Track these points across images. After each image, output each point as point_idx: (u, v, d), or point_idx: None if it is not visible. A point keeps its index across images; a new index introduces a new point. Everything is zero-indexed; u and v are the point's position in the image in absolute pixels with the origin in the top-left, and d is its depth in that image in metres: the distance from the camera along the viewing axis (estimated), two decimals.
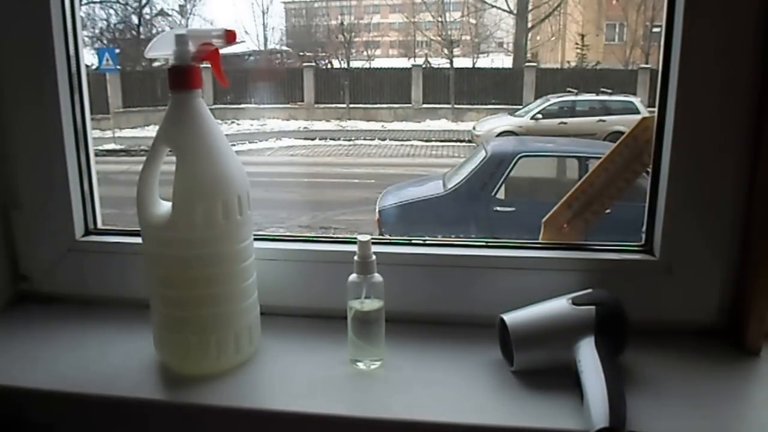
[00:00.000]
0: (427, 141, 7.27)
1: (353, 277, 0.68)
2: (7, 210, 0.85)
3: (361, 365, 0.70)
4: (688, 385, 0.66)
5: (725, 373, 0.68)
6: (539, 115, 6.39)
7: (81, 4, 0.86)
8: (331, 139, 7.52)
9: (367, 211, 4.14)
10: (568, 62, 9.29)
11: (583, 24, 9.27)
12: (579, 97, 6.59)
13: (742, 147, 0.70)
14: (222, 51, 0.67)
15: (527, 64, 8.53)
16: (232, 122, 7.84)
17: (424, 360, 0.71)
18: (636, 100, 6.19)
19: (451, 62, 9.18)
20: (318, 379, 0.68)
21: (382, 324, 0.69)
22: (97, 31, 7.99)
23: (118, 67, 7.24)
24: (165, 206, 0.67)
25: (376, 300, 0.69)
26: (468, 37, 10.00)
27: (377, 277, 0.68)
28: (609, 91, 6.59)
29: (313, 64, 9.22)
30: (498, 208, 3.53)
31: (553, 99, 6.70)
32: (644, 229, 0.79)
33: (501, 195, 3.60)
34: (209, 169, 0.65)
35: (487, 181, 3.61)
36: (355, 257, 0.68)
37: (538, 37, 9.67)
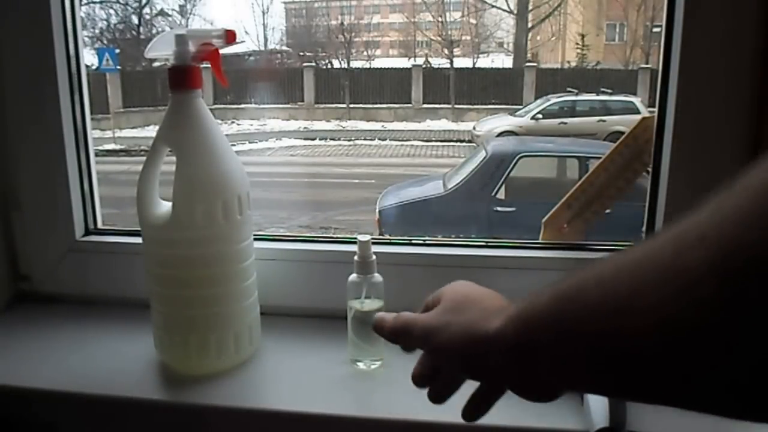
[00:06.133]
0: (427, 141, 7.27)
1: (353, 277, 0.68)
2: (7, 210, 0.84)
3: (361, 365, 0.70)
4: None
5: None
6: (539, 115, 6.39)
7: (81, 4, 0.86)
8: (331, 139, 7.52)
9: (367, 211, 4.15)
10: (568, 62, 9.30)
11: (583, 24, 9.27)
12: (579, 97, 6.59)
13: (742, 146, 0.70)
14: (222, 51, 0.67)
15: (527, 64, 8.53)
16: (232, 122, 7.84)
17: None
18: (636, 100, 6.19)
19: (451, 62, 9.18)
20: (318, 378, 0.68)
21: None
22: (97, 31, 8.01)
23: (118, 67, 7.24)
24: (165, 206, 0.67)
25: (376, 300, 0.69)
26: (468, 37, 10.00)
27: (377, 277, 0.68)
28: (609, 91, 6.59)
29: (313, 64, 9.22)
30: (498, 208, 3.53)
31: (554, 99, 6.70)
32: (644, 229, 0.78)
33: (501, 195, 3.61)
34: (209, 169, 0.65)
35: (488, 181, 3.61)
36: (355, 257, 0.68)
37: (538, 37, 9.68)
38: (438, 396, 0.48)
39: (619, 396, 0.36)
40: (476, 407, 0.47)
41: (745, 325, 0.23)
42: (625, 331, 0.28)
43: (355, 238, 0.68)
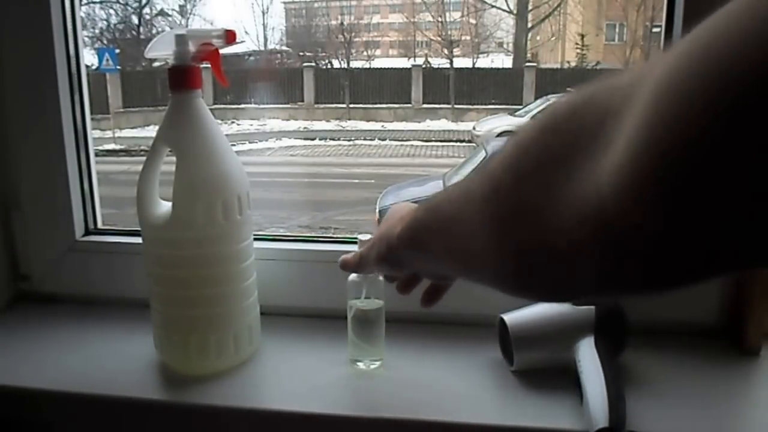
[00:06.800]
0: (427, 141, 7.27)
1: (353, 276, 0.68)
2: (7, 210, 0.85)
3: (361, 365, 0.70)
4: (688, 385, 0.66)
5: (725, 373, 0.68)
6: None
7: (81, 4, 0.86)
8: (331, 139, 7.52)
9: (367, 211, 4.15)
10: (568, 62, 9.30)
11: (583, 24, 9.27)
12: None
13: None
14: (222, 51, 0.67)
15: (527, 64, 8.54)
16: (232, 122, 7.84)
17: (424, 360, 0.71)
18: None
19: (451, 62, 9.19)
20: (318, 378, 0.68)
21: (382, 324, 0.69)
22: (97, 31, 8.02)
23: (118, 67, 7.24)
24: (165, 206, 0.67)
25: (376, 300, 0.69)
26: (468, 37, 10.01)
27: (377, 276, 0.68)
28: None
29: (313, 64, 9.23)
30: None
31: (553, 99, 6.69)
32: None
33: None
34: (209, 169, 0.65)
35: None
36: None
37: (538, 37, 9.68)
38: (403, 289, 0.61)
39: (469, 281, 0.46)
40: (429, 297, 0.60)
41: (497, 236, 0.35)
42: (458, 232, 0.39)
43: (356, 238, 0.68)
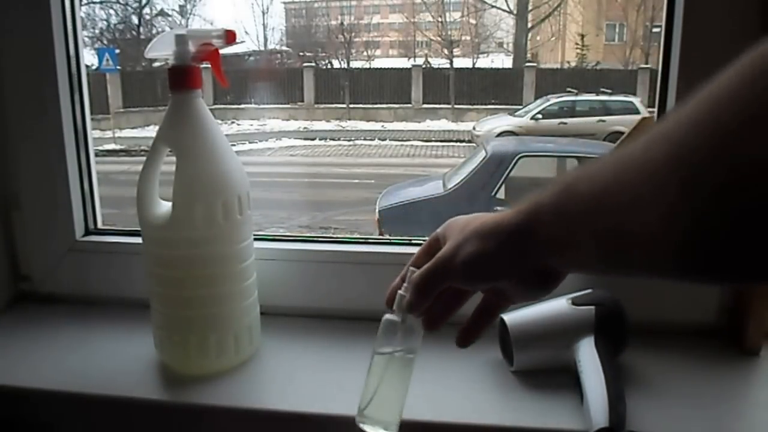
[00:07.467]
0: (427, 141, 7.28)
1: (390, 316, 0.55)
2: (7, 210, 0.85)
3: (367, 426, 0.56)
4: (688, 385, 0.66)
5: (725, 373, 0.68)
6: (539, 115, 6.40)
7: (81, 4, 0.86)
8: (331, 139, 7.53)
9: (367, 211, 4.15)
10: (568, 62, 9.31)
11: (583, 24, 9.28)
12: (579, 97, 6.60)
13: None
14: (222, 51, 0.67)
15: (527, 64, 8.55)
16: (232, 122, 7.85)
17: (424, 360, 0.71)
18: (636, 100, 6.20)
19: (451, 62, 9.20)
20: (318, 378, 0.68)
21: (408, 380, 0.57)
22: (97, 31, 8.03)
23: (118, 67, 7.25)
24: (165, 206, 0.67)
25: (409, 349, 0.56)
26: (468, 37, 10.02)
27: (416, 320, 0.55)
28: (609, 91, 6.60)
29: (313, 64, 9.24)
30: (498, 208, 3.52)
31: (553, 99, 6.71)
32: None
33: (501, 195, 3.61)
34: (209, 169, 0.65)
35: (487, 181, 3.61)
36: (401, 290, 0.53)
37: (538, 37, 9.69)
38: (435, 321, 0.55)
39: (605, 270, 0.44)
40: (467, 334, 0.56)
41: (690, 202, 0.30)
42: (612, 207, 0.35)
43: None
